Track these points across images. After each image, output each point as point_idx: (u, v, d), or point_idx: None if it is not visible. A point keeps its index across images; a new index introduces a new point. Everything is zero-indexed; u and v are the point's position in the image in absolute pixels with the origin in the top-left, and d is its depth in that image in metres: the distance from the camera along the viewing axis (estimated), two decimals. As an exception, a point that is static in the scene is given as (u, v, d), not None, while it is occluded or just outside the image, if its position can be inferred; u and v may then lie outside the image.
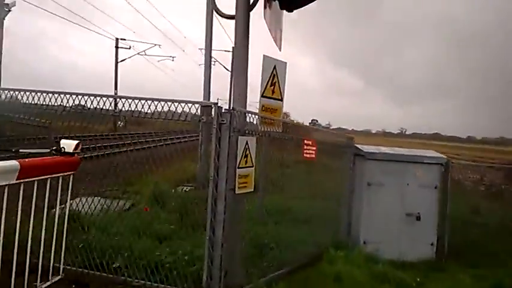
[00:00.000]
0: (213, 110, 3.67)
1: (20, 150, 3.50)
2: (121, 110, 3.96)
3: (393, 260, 6.11)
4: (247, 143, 3.90)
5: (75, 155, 3.56)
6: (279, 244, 5.11)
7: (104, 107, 3.88)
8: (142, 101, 3.77)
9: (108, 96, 3.92)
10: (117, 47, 37.91)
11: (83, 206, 4.68)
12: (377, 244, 6.33)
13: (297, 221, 5.58)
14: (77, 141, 3.54)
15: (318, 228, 6.00)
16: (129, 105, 3.71)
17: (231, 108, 3.73)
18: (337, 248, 5.85)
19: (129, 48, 37.92)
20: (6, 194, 2.90)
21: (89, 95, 3.94)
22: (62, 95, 4.03)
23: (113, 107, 4.02)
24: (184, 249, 4.73)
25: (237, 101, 4.13)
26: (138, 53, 38.08)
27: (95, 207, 4.66)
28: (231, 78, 41.27)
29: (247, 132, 4.01)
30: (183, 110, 3.72)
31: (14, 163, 3.03)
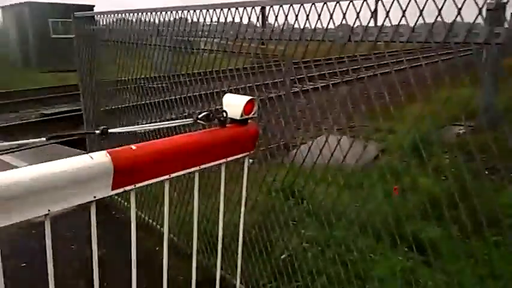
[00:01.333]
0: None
1: (110, 131, 1.45)
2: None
3: None
4: None
5: (249, 121, 1.60)
6: None
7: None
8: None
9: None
10: None
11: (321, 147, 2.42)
12: None
13: None
14: (248, 98, 1.54)
15: None
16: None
17: None
18: None
19: None
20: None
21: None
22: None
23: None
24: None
25: None
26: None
27: (329, 158, 2.36)
28: None
29: None
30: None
31: (101, 158, 1.30)
